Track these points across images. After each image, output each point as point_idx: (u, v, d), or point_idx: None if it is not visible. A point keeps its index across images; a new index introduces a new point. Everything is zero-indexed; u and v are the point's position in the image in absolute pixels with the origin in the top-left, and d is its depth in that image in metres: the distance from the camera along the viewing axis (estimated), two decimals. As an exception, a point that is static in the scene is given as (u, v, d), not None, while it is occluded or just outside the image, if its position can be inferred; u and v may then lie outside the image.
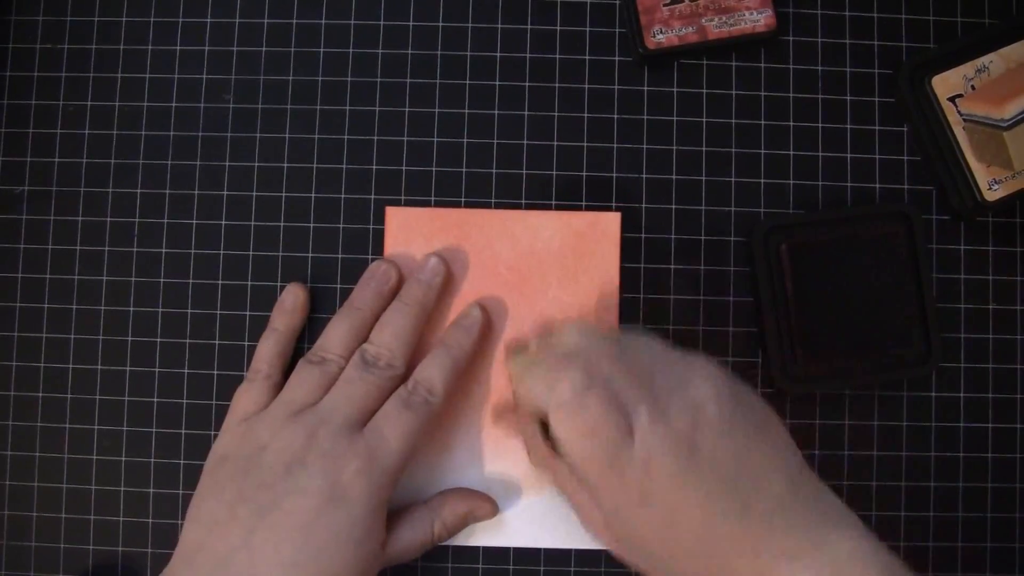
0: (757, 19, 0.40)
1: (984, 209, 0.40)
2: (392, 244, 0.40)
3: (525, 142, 0.41)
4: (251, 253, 0.41)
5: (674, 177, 0.41)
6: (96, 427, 0.40)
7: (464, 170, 0.41)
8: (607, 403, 0.30)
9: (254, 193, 0.41)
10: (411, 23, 0.42)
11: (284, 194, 0.41)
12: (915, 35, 0.42)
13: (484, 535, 0.39)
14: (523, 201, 0.41)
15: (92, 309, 0.40)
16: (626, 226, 0.41)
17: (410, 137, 0.41)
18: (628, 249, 0.41)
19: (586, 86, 0.41)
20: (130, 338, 0.40)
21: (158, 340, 0.40)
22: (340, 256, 0.41)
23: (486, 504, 0.38)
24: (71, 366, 0.40)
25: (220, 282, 0.40)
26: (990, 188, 0.39)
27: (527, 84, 0.41)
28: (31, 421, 0.40)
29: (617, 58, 0.42)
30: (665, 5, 0.40)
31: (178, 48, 0.41)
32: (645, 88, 0.41)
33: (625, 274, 0.40)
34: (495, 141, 0.41)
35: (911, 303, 0.40)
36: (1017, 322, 0.41)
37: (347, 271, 0.40)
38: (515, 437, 0.39)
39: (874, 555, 0.29)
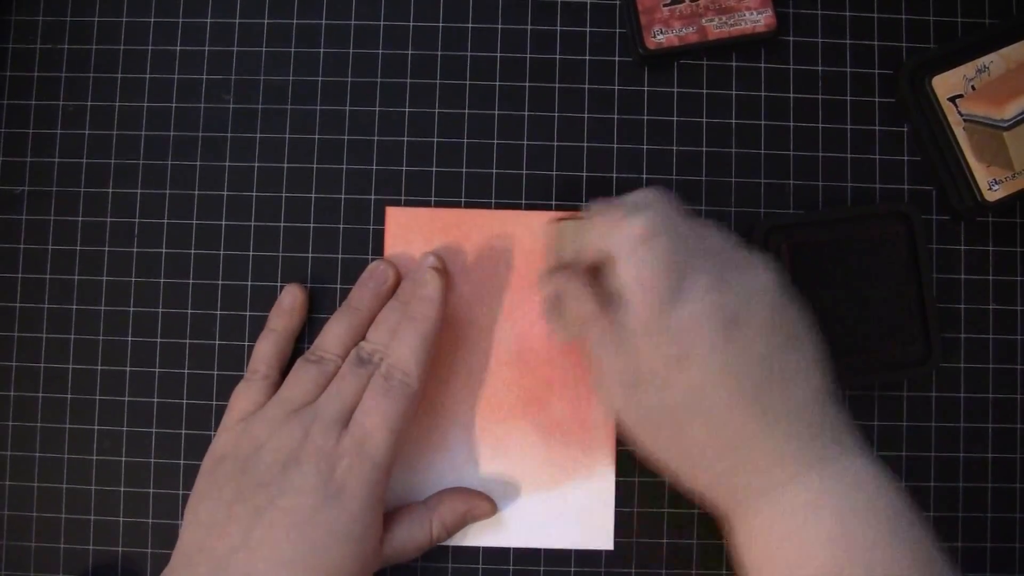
0: (757, 19, 0.40)
1: (984, 209, 0.40)
2: (392, 244, 0.40)
3: (525, 142, 0.41)
4: (251, 253, 0.41)
5: (674, 177, 0.41)
6: (96, 427, 0.40)
7: (464, 170, 0.41)
8: (674, 252, 0.31)
9: (254, 193, 0.41)
10: (411, 23, 0.42)
11: (284, 194, 0.41)
12: (915, 35, 0.42)
13: (484, 535, 0.39)
14: (523, 201, 0.41)
15: (92, 309, 0.40)
16: (626, 226, 0.41)
17: (410, 137, 0.41)
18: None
19: (586, 86, 0.41)
20: (130, 338, 0.40)
21: (158, 340, 0.40)
22: (340, 256, 0.41)
23: (485, 503, 0.38)
24: (71, 366, 0.40)
25: (220, 282, 0.40)
26: (990, 188, 0.39)
27: (527, 84, 0.41)
28: (31, 421, 0.40)
29: (617, 58, 0.41)
30: (665, 5, 0.40)
31: (178, 48, 0.41)
32: (645, 88, 0.41)
33: (625, 274, 0.40)
34: (495, 141, 0.41)
35: (911, 303, 0.40)
36: (1017, 322, 0.41)
37: (347, 271, 0.40)
38: (550, 295, 0.37)
39: (886, 477, 0.30)
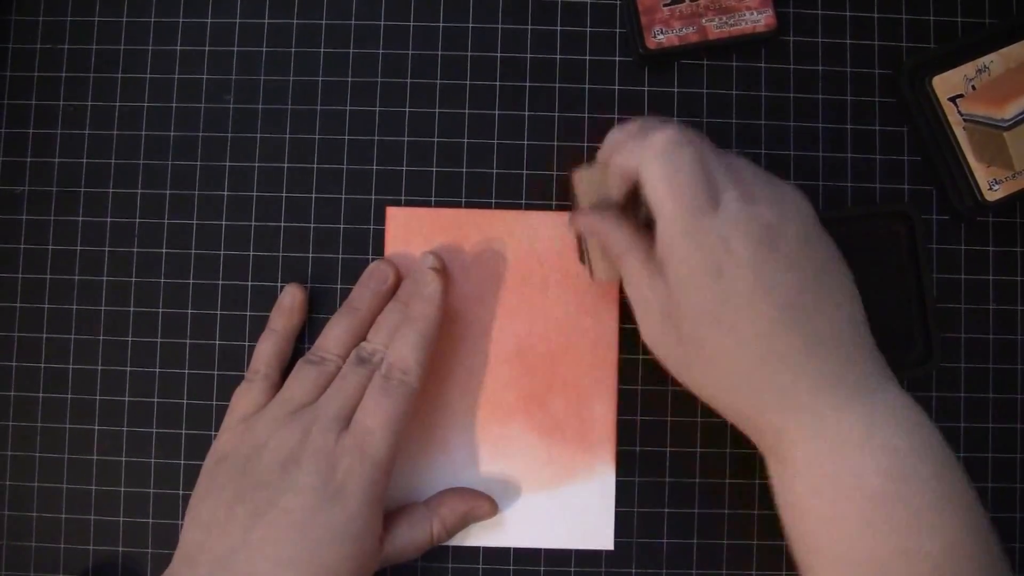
0: (757, 19, 0.40)
1: (984, 209, 0.40)
2: (392, 244, 0.40)
3: (525, 142, 0.41)
4: (251, 253, 0.41)
5: (674, 177, 0.41)
6: (96, 427, 0.40)
7: (464, 170, 0.41)
8: (700, 162, 0.30)
9: (254, 193, 0.41)
10: (411, 23, 0.42)
11: (284, 194, 0.41)
12: (915, 35, 0.42)
13: (484, 535, 0.39)
14: (523, 201, 0.41)
15: (92, 310, 0.40)
16: (626, 226, 0.41)
17: (410, 137, 0.41)
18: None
19: (586, 86, 0.41)
20: (130, 338, 0.40)
21: (158, 340, 0.40)
22: (340, 256, 0.41)
23: (485, 504, 0.38)
24: (71, 366, 0.40)
25: (220, 282, 0.40)
26: (990, 188, 0.39)
27: (527, 84, 0.41)
28: (31, 421, 0.40)
29: (617, 58, 0.42)
30: (665, 5, 0.40)
31: (178, 48, 0.41)
32: (645, 88, 0.41)
33: (625, 274, 0.40)
34: (495, 141, 0.41)
35: (911, 303, 0.40)
36: (1017, 322, 0.41)
37: (347, 271, 0.40)
38: (583, 236, 0.37)
39: (920, 417, 0.30)
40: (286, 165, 0.41)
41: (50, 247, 0.41)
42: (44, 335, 0.40)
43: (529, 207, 0.41)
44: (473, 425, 0.39)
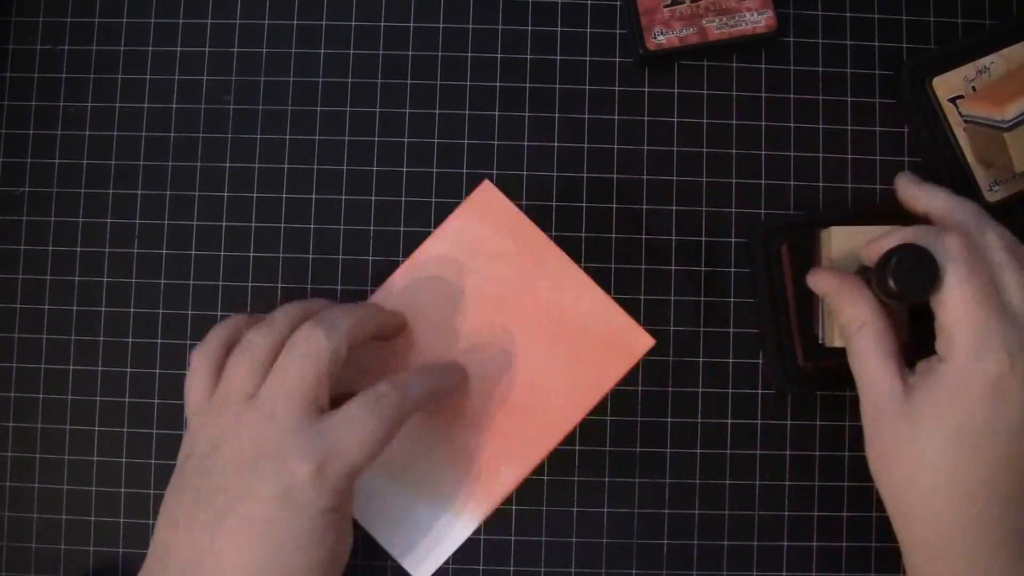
0: (758, 20, 0.40)
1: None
2: (465, 213, 0.37)
3: (526, 143, 0.41)
4: (251, 255, 0.41)
5: (674, 178, 0.41)
6: (96, 428, 0.40)
7: (465, 171, 0.41)
8: (988, 269, 0.30)
9: (254, 194, 0.41)
10: (412, 24, 0.42)
11: (284, 195, 0.41)
12: (916, 36, 0.42)
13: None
14: (524, 202, 0.41)
15: (92, 311, 0.40)
16: (627, 227, 0.41)
17: (411, 138, 0.41)
18: (629, 250, 0.41)
19: (587, 87, 0.41)
20: (131, 339, 0.40)
21: (159, 341, 0.40)
22: (340, 257, 0.41)
23: (454, 374, 0.35)
24: (71, 367, 0.40)
25: (220, 283, 0.40)
26: (991, 189, 0.39)
27: (527, 85, 0.41)
28: (32, 422, 0.40)
29: (618, 59, 0.41)
30: (666, 6, 0.40)
31: (178, 49, 0.41)
32: (646, 89, 0.41)
33: (626, 275, 0.40)
34: (495, 142, 0.41)
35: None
36: (1018, 323, 0.41)
37: (347, 272, 0.40)
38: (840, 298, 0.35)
39: None
40: (286, 166, 0.41)
41: (50, 248, 0.41)
42: (44, 336, 0.40)
43: (529, 207, 0.41)
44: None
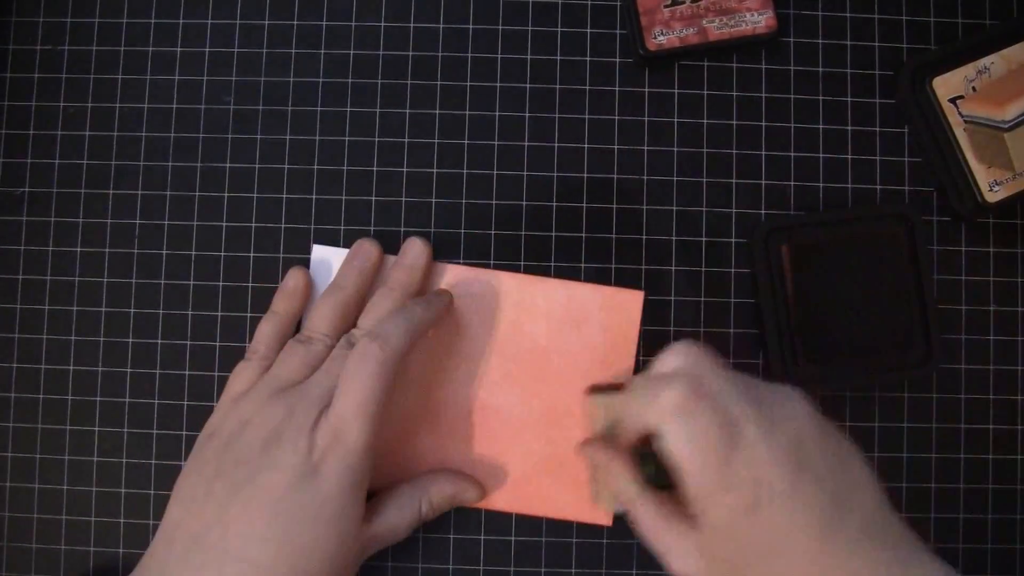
0: (758, 20, 0.40)
1: (985, 210, 0.40)
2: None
3: (526, 143, 0.41)
4: (251, 255, 0.41)
5: (675, 179, 0.41)
6: (97, 429, 0.40)
7: (465, 171, 0.41)
8: (715, 410, 0.30)
9: (255, 195, 0.41)
10: (412, 24, 0.42)
11: (284, 196, 0.41)
12: (916, 36, 0.42)
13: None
14: (524, 203, 0.41)
15: (93, 311, 0.40)
16: (627, 227, 0.41)
17: (411, 139, 0.41)
18: (629, 250, 0.41)
19: (587, 87, 0.41)
20: (131, 340, 0.40)
21: (159, 342, 0.40)
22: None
23: (473, 488, 0.38)
24: (72, 368, 0.40)
25: (220, 284, 0.40)
26: (991, 189, 0.39)
27: (528, 85, 0.41)
28: (32, 423, 0.40)
29: (618, 59, 0.41)
30: (666, 6, 0.40)
31: (179, 50, 0.41)
32: (646, 89, 0.41)
33: (626, 275, 0.40)
34: (496, 142, 0.41)
35: (912, 304, 0.40)
36: (1018, 323, 0.41)
37: (348, 272, 0.40)
38: (592, 477, 0.38)
39: None
40: (286, 166, 0.41)
41: (50, 248, 0.41)
42: (44, 336, 0.40)
43: (530, 207, 0.41)
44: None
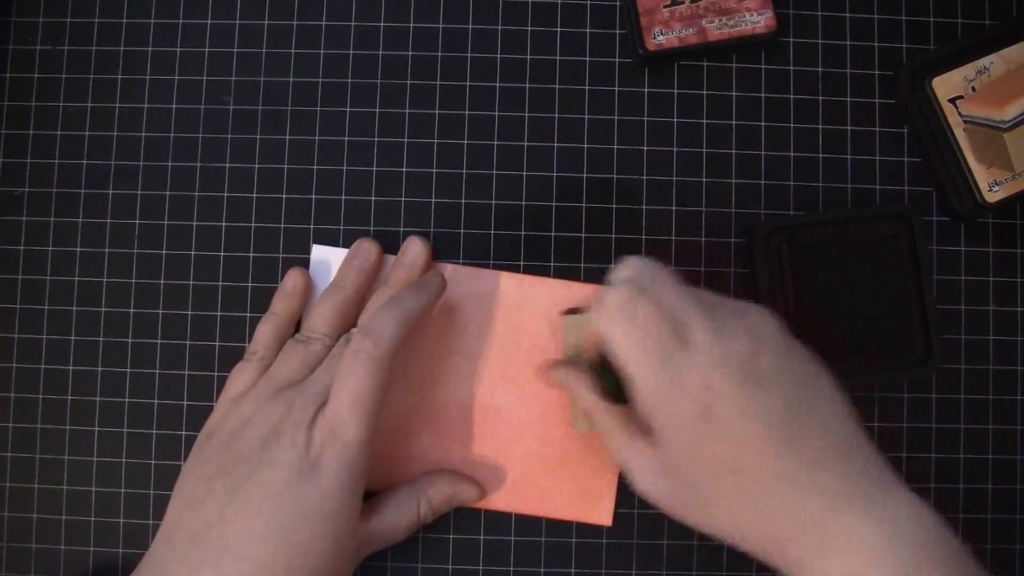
0: (757, 20, 0.40)
1: (984, 211, 0.40)
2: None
3: (525, 143, 0.41)
4: (251, 255, 0.41)
5: (674, 178, 0.41)
6: (96, 429, 0.40)
7: (464, 171, 0.41)
8: (658, 311, 0.30)
9: (254, 195, 0.41)
10: (411, 24, 0.42)
11: (284, 196, 0.41)
12: (915, 36, 0.42)
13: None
14: (523, 203, 0.41)
15: (92, 311, 0.40)
16: (627, 227, 0.41)
17: (410, 139, 0.41)
18: (629, 250, 0.41)
19: (586, 87, 0.41)
20: (130, 340, 0.40)
21: (158, 342, 0.40)
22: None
23: (471, 488, 0.38)
24: (71, 368, 0.40)
25: (220, 284, 0.40)
26: (990, 189, 0.39)
27: (527, 86, 0.41)
28: (31, 423, 0.40)
29: (617, 60, 0.41)
30: (665, 7, 0.40)
31: (178, 50, 0.41)
32: (645, 89, 0.41)
33: (625, 275, 0.40)
34: (495, 142, 0.41)
35: (911, 304, 0.40)
36: (1017, 324, 0.41)
37: (347, 272, 0.40)
38: (563, 395, 0.39)
39: (932, 520, 0.29)
40: (286, 166, 0.41)
41: (50, 248, 0.41)
42: (44, 336, 0.40)
43: (529, 208, 0.41)
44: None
